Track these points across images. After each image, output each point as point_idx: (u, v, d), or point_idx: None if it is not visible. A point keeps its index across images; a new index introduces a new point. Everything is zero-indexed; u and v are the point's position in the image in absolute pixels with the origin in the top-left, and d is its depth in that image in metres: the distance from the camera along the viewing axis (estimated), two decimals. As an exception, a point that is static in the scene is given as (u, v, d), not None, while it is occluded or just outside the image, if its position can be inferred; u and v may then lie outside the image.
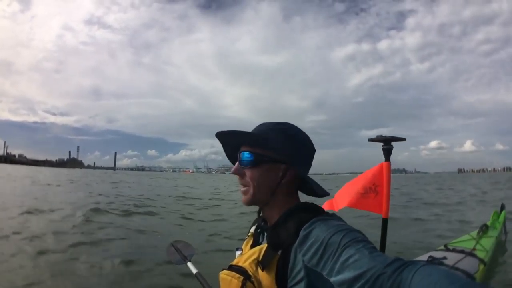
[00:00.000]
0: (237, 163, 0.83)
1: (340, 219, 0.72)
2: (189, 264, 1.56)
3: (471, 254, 2.93)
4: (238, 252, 0.91)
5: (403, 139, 1.82)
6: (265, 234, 0.84)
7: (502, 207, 4.37)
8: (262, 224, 0.86)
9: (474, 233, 3.52)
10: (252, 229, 0.92)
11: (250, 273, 0.74)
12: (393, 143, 1.82)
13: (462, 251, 3.00)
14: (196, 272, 1.44)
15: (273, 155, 0.79)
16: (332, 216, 0.73)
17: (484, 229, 3.57)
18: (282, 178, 0.79)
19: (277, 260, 0.72)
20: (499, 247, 3.68)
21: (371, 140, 1.87)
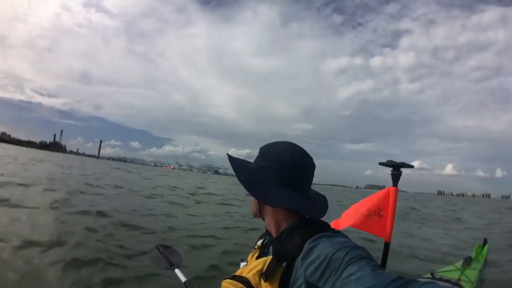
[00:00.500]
0: None
1: (345, 236, 0.72)
2: (177, 271, 1.43)
3: (457, 284, 2.98)
4: (242, 264, 0.88)
5: (411, 166, 1.81)
6: (271, 247, 0.84)
7: (485, 241, 4.50)
8: (268, 236, 0.87)
9: (459, 264, 3.60)
10: (259, 242, 0.92)
11: (253, 283, 0.72)
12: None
13: (448, 281, 3.04)
14: (186, 281, 1.33)
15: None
16: (337, 232, 0.73)
17: (468, 261, 3.66)
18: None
19: (281, 272, 0.71)
20: (482, 280, 3.79)
21: (381, 164, 1.83)
